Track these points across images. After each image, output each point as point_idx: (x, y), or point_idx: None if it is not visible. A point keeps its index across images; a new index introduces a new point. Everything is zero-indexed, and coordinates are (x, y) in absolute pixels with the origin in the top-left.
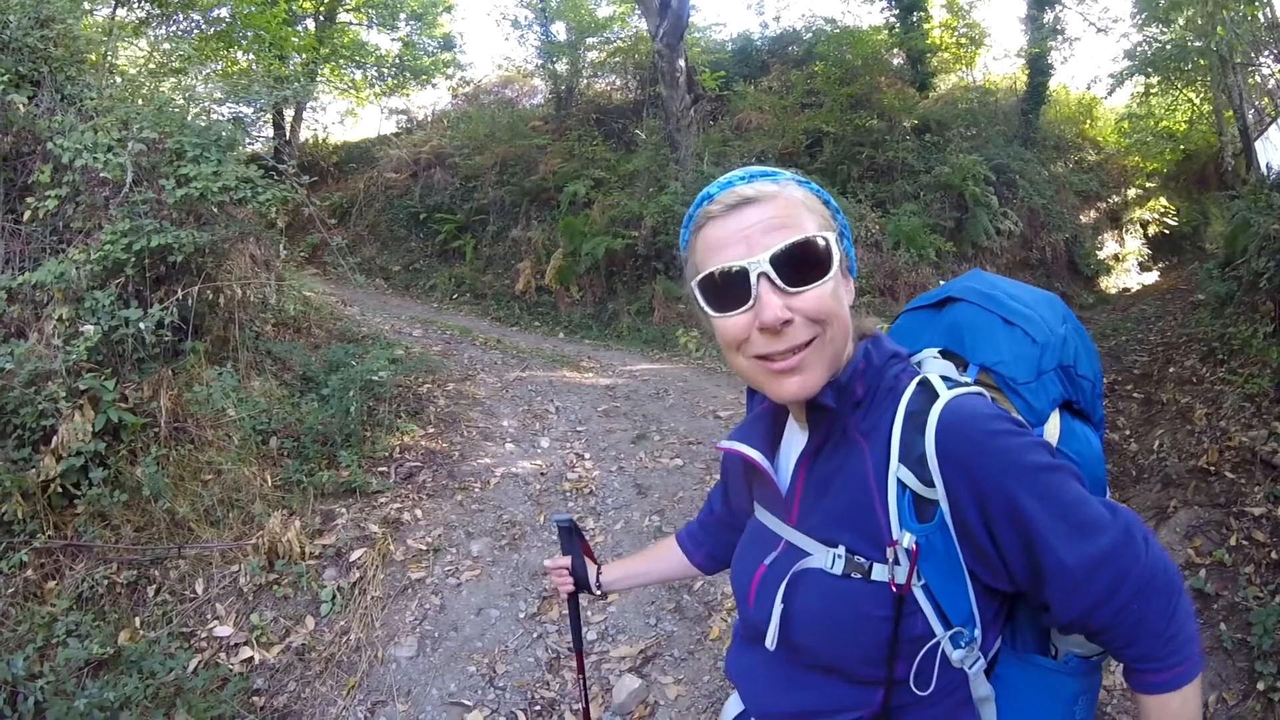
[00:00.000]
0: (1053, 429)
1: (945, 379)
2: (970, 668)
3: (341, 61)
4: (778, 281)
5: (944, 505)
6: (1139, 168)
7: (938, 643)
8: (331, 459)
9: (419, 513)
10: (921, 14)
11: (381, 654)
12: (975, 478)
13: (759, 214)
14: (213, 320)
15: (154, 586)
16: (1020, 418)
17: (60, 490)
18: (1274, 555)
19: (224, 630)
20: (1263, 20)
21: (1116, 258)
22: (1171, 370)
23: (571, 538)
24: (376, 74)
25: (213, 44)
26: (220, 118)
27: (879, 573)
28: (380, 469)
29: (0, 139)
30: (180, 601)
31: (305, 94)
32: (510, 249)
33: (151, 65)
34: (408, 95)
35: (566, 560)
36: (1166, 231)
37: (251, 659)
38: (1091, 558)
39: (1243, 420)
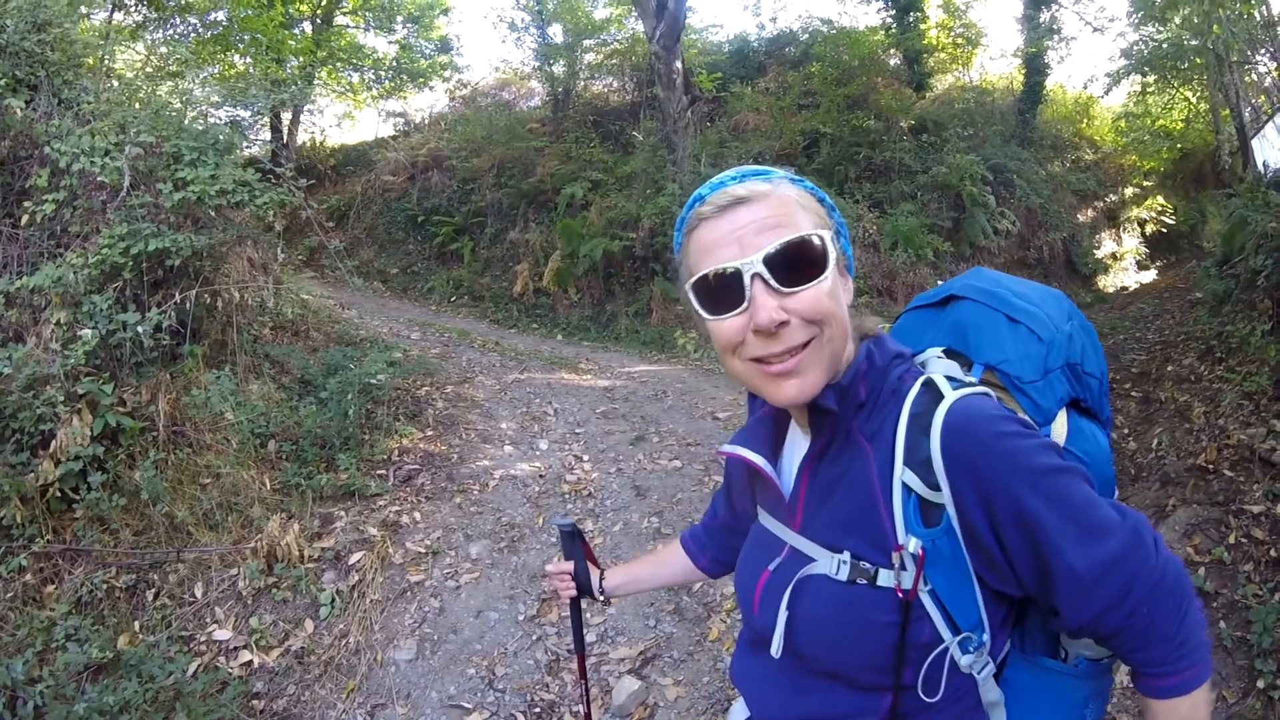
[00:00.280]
0: (1060, 428)
1: (950, 379)
2: (979, 673)
3: (339, 64)
4: (772, 282)
5: (950, 509)
6: (1136, 166)
7: (946, 648)
8: (330, 462)
9: (418, 515)
10: (918, 14)
11: (381, 657)
12: (982, 481)
13: (751, 214)
14: (211, 324)
15: (153, 590)
16: (1027, 418)
17: (59, 494)
18: (1273, 553)
19: (223, 634)
20: (1259, 18)
21: (1114, 256)
22: (1170, 368)
23: (574, 542)
24: (374, 77)
25: (210, 47)
26: (217, 121)
27: (885, 578)
28: (379, 472)
29: None
30: (179, 605)
31: (302, 97)
32: (508, 251)
33: (149, 69)
34: (405, 98)
35: (569, 565)
36: (1164, 230)
37: (251, 662)
38: (1101, 561)
39: (1241, 418)
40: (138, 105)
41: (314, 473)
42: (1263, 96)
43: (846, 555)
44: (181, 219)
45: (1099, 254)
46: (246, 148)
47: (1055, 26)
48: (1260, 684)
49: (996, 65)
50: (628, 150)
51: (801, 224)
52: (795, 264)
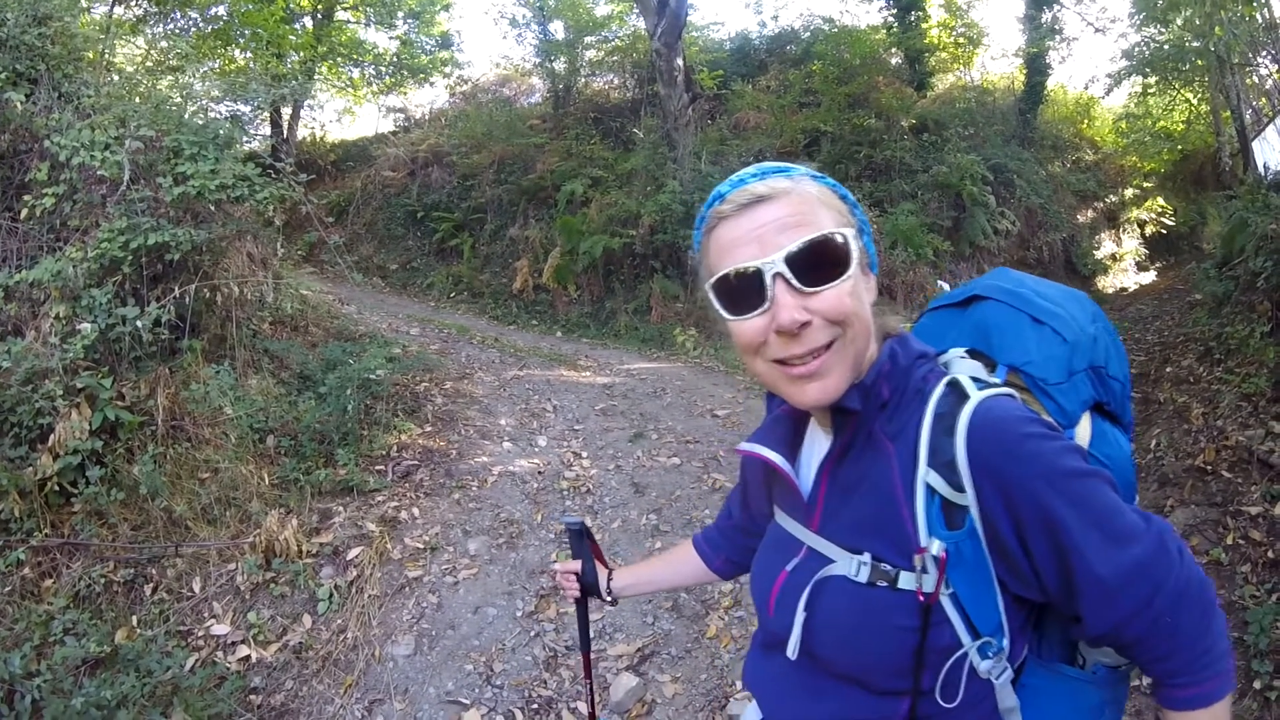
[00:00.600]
0: (1084, 431)
1: (975, 380)
2: (998, 679)
3: (339, 60)
4: (794, 281)
5: (974, 511)
6: (1136, 167)
7: (965, 653)
8: (329, 457)
9: (416, 511)
10: (919, 13)
11: (379, 652)
12: (1007, 483)
13: (772, 212)
14: (210, 318)
15: (151, 585)
16: (1051, 420)
17: (57, 488)
18: (1270, 554)
19: (221, 628)
20: (1260, 21)
21: (1114, 257)
22: (1169, 370)
23: (582, 541)
24: (374, 72)
25: (210, 42)
26: (218, 116)
27: (906, 581)
28: (377, 467)
29: None
30: (177, 600)
31: (303, 92)
32: (508, 247)
33: (149, 63)
34: (405, 94)
35: (576, 564)
36: (1164, 231)
37: (248, 657)
38: (1126, 568)
39: (1240, 419)
40: (138, 99)
41: (312, 468)
42: (1264, 99)
43: (867, 557)
44: (181, 213)
45: (1099, 255)
46: (246, 142)
47: (1057, 27)
48: (1257, 685)
49: (998, 65)
50: (628, 147)
51: (824, 222)
52: (817, 263)
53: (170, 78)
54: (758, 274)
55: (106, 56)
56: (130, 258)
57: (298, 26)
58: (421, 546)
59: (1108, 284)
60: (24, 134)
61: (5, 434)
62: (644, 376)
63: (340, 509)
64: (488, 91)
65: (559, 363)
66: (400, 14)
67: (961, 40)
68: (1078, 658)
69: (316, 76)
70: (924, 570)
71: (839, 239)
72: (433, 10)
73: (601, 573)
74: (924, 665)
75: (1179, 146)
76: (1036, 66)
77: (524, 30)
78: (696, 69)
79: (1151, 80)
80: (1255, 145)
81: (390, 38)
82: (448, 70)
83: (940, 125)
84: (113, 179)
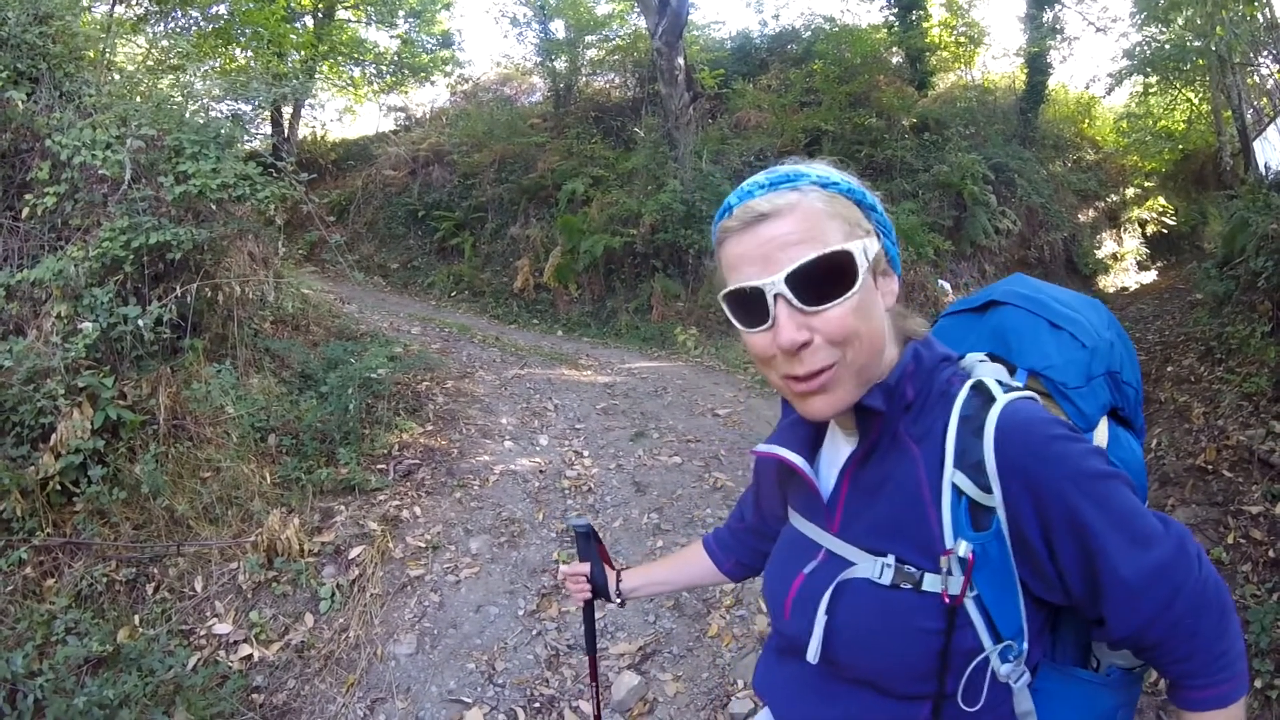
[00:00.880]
0: (1101, 435)
1: (1000, 383)
2: (1015, 682)
3: (340, 59)
4: (794, 302)
5: (1001, 513)
6: (1137, 167)
7: (987, 657)
8: (330, 456)
9: (418, 510)
10: (920, 12)
11: (380, 651)
12: (1036, 484)
13: (775, 229)
14: (211, 317)
15: (153, 584)
16: (1072, 424)
17: (59, 488)
18: (1271, 553)
19: (223, 628)
20: (1261, 20)
21: (1115, 257)
22: (1169, 369)
23: (589, 543)
24: (375, 71)
25: (211, 41)
26: (219, 115)
27: (930, 583)
28: (379, 466)
29: None
30: (179, 599)
31: (304, 91)
32: (509, 247)
33: (150, 62)
34: (406, 93)
35: (584, 567)
36: (1164, 231)
37: (250, 656)
38: (1148, 570)
39: (1240, 419)
40: (139, 98)
41: (314, 467)
42: (1265, 98)
43: (890, 559)
44: (182, 212)
45: (1099, 254)
46: (247, 141)
47: (1058, 26)
48: (1258, 684)
49: (999, 64)
50: (629, 146)
51: (830, 237)
52: (820, 281)
53: (171, 77)
54: (759, 293)
55: (107, 55)
56: (132, 257)
57: (299, 25)
58: (423, 545)
59: (1109, 283)
60: (25, 133)
61: (7, 433)
62: (645, 375)
63: (342, 508)
64: (488, 90)
65: (560, 362)
66: (401, 13)
67: (962, 39)
68: (1091, 660)
69: (317, 75)
70: (949, 572)
71: (844, 255)
72: (433, 9)
73: (610, 574)
74: (948, 668)
75: (1180, 146)
76: (1037, 66)
77: (525, 29)
78: (697, 68)
79: (1152, 80)
80: (1256, 145)
81: (391, 37)
82: (448, 69)
83: (941, 124)
84: (114, 178)
